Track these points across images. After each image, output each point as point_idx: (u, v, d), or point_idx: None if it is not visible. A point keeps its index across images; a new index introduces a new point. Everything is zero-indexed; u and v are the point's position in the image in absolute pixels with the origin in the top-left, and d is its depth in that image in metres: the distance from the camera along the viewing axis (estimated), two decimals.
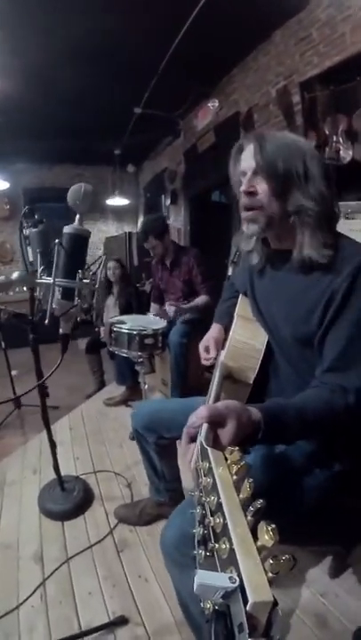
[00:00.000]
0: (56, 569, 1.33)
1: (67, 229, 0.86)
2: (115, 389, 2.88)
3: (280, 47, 2.85)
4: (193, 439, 0.61)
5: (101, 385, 3.02)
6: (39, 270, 0.84)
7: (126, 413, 2.54)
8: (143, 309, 2.88)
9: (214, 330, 1.23)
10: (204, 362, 1.16)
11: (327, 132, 2.41)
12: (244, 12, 2.54)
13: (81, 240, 0.87)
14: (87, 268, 0.83)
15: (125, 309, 2.88)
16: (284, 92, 2.82)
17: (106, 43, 2.76)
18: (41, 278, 0.82)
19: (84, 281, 0.82)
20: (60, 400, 2.69)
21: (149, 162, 5.73)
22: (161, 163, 5.20)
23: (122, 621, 1.13)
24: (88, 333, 3.10)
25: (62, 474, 1.66)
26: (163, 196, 5.22)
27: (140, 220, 6.28)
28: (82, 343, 4.32)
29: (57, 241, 0.82)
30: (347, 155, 2.33)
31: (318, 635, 1.06)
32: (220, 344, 1.15)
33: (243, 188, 0.82)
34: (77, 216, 0.88)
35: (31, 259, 1.12)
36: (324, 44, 2.49)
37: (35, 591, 1.25)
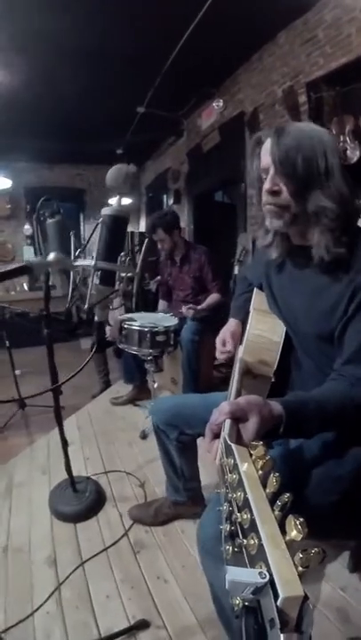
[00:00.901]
0: (71, 573, 1.29)
1: (106, 211, 0.83)
2: (121, 388, 2.85)
3: (285, 48, 2.86)
4: (216, 435, 0.61)
5: (107, 384, 2.99)
6: (74, 254, 0.81)
7: (134, 413, 2.52)
8: (148, 309, 2.87)
9: (231, 324, 1.21)
10: (218, 355, 1.13)
11: (334, 132, 2.42)
12: (250, 12, 2.55)
13: (122, 222, 0.84)
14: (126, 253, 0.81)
15: (130, 309, 2.86)
16: (291, 93, 2.83)
17: (110, 41, 2.76)
18: (77, 261, 0.79)
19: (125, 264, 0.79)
20: (66, 400, 2.62)
21: (152, 161, 5.73)
22: (164, 162, 5.20)
23: (143, 625, 1.10)
24: (92, 333, 3.07)
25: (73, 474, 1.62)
26: (165, 196, 5.22)
27: (143, 220, 6.27)
28: (85, 342, 4.29)
29: (100, 220, 0.79)
30: (354, 155, 2.35)
31: (341, 629, 1.05)
32: (238, 337, 1.13)
33: (266, 186, 0.79)
34: (116, 197, 0.85)
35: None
36: (331, 45, 2.51)
37: (50, 596, 1.21)
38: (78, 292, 0.84)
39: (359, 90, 2.33)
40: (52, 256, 0.68)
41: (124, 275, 0.86)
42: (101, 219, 0.82)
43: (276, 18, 2.69)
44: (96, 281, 0.79)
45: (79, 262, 0.80)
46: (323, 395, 0.71)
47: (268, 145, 0.79)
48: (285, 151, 0.75)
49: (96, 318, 0.86)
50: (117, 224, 0.83)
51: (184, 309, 2.37)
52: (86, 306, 0.77)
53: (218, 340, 1.15)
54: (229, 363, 1.10)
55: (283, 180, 0.77)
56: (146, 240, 1.09)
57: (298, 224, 0.82)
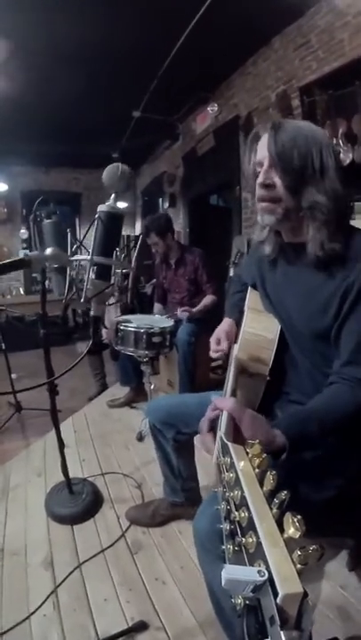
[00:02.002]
0: (68, 575, 1.27)
1: (102, 208, 0.84)
2: (118, 391, 2.84)
3: (279, 52, 2.90)
4: (212, 428, 0.64)
5: (103, 387, 2.98)
6: (71, 250, 0.82)
7: (131, 415, 2.51)
8: (144, 311, 2.87)
9: (225, 323, 1.21)
10: (213, 354, 1.13)
11: (327, 137, 2.46)
12: (244, 18, 2.59)
13: (116, 219, 0.85)
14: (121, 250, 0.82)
15: (126, 311, 2.86)
16: (284, 97, 2.87)
17: (106, 46, 2.78)
18: (74, 256, 0.80)
19: (121, 259, 0.80)
20: (62, 403, 2.60)
21: (148, 165, 5.76)
22: (159, 166, 5.23)
23: (142, 627, 1.09)
24: (88, 337, 3.06)
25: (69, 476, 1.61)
26: (161, 200, 5.25)
27: (138, 223, 6.30)
28: (81, 347, 4.28)
29: (97, 215, 0.80)
30: (347, 157, 2.38)
31: (342, 627, 1.04)
32: (232, 336, 1.13)
33: (259, 180, 0.80)
34: (112, 195, 0.86)
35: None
36: (323, 50, 2.55)
37: (46, 599, 1.19)
38: (75, 287, 0.85)
39: (352, 93, 2.36)
40: (49, 251, 0.69)
41: (119, 270, 0.87)
42: (97, 215, 0.83)
43: (270, 23, 2.73)
44: (92, 275, 0.80)
45: (76, 257, 0.81)
46: (324, 406, 0.73)
47: (265, 139, 0.80)
48: (282, 145, 0.76)
49: (92, 312, 0.86)
50: (113, 220, 0.85)
51: (179, 312, 2.37)
52: (82, 299, 0.77)
53: (212, 339, 1.15)
54: (226, 365, 1.10)
55: (278, 174, 0.78)
56: (141, 237, 1.09)
57: (291, 220, 0.82)
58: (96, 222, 0.79)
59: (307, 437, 0.67)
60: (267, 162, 0.79)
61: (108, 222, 0.81)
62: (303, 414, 0.71)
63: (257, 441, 0.48)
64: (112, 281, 0.83)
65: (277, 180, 0.78)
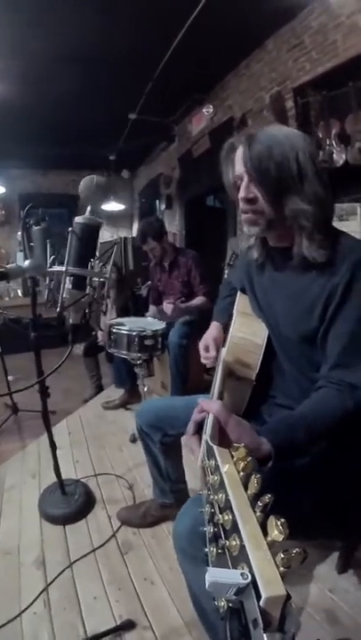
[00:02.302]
0: (59, 574, 1.30)
1: (78, 219, 0.86)
2: (113, 393, 2.86)
3: (273, 54, 2.91)
4: (198, 427, 0.63)
5: (99, 389, 2.99)
6: (49, 260, 0.83)
7: (125, 417, 2.52)
8: (140, 313, 2.88)
9: (213, 328, 1.22)
10: (203, 360, 1.14)
11: (320, 136, 2.47)
12: (238, 20, 2.60)
13: (92, 230, 0.87)
14: (97, 259, 0.83)
15: (122, 313, 2.87)
16: (278, 98, 2.87)
17: (102, 48, 2.79)
18: (51, 267, 0.82)
19: (95, 269, 0.81)
20: (57, 405, 2.64)
21: (144, 167, 5.77)
22: (156, 168, 5.24)
23: (129, 625, 1.10)
24: (84, 338, 3.08)
25: (62, 477, 1.63)
26: (158, 201, 5.26)
27: (135, 225, 6.31)
28: (77, 348, 4.30)
29: (70, 229, 0.82)
30: (340, 158, 2.38)
31: (330, 630, 1.05)
32: (220, 342, 1.14)
33: (241, 194, 0.80)
34: (88, 207, 0.88)
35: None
36: (317, 51, 2.55)
37: (37, 598, 1.21)
38: (52, 296, 0.86)
39: (345, 94, 2.36)
40: (26, 263, 0.70)
41: (97, 280, 0.89)
42: (71, 228, 0.84)
43: (263, 25, 2.74)
44: (69, 285, 0.81)
45: (52, 268, 0.82)
46: (312, 411, 0.71)
47: (240, 153, 0.80)
48: (258, 159, 0.75)
49: (70, 320, 0.87)
50: (88, 232, 0.86)
51: (164, 304, 2.38)
52: (58, 309, 0.79)
53: (201, 346, 1.16)
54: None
55: (257, 188, 0.78)
56: (115, 247, 1.10)
57: (276, 229, 0.82)
58: (70, 235, 0.81)
59: (294, 444, 0.66)
60: (246, 177, 0.79)
61: (82, 234, 0.83)
62: (291, 420, 0.70)
63: (242, 444, 0.48)
64: (87, 291, 0.84)
65: (258, 194, 0.78)
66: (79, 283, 0.83)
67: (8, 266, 0.72)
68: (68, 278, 0.79)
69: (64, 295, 0.80)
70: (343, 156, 2.36)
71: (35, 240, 1.19)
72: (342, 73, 2.39)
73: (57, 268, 0.81)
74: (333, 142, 2.40)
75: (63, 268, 0.79)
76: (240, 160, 0.79)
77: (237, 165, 0.81)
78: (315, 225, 0.77)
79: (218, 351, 1.09)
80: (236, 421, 0.63)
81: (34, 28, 2.50)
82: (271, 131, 0.80)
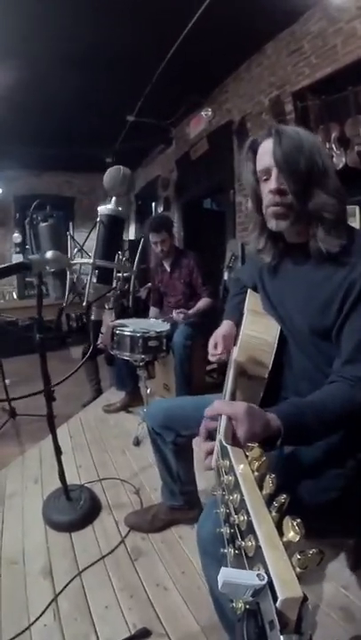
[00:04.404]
0: (68, 583, 1.25)
1: (104, 210, 0.83)
2: (113, 396, 2.82)
3: (272, 58, 2.94)
4: (210, 435, 0.62)
5: (98, 393, 2.95)
6: (71, 253, 0.80)
7: (127, 420, 2.49)
8: (139, 315, 2.86)
9: (224, 326, 1.20)
10: (210, 357, 1.12)
11: (320, 140, 2.49)
12: (238, 24, 2.62)
13: (118, 222, 0.84)
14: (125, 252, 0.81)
15: (121, 315, 2.84)
16: (277, 102, 2.90)
17: (101, 50, 2.79)
18: (75, 259, 0.79)
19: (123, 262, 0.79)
20: (56, 409, 2.58)
21: (142, 169, 5.77)
22: (153, 170, 5.25)
23: (145, 634, 1.07)
24: (82, 341, 3.05)
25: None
26: (155, 204, 5.25)
27: (133, 227, 6.29)
28: (75, 351, 4.24)
29: (98, 219, 0.79)
30: (340, 161, 2.41)
31: (346, 628, 1.03)
32: (231, 339, 1.12)
33: (273, 186, 0.80)
34: (113, 198, 0.85)
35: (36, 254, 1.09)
36: (316, 56, 2.59)
37: (46, 609, 1.16)
38: (75, 291, 0.83)
39: (344, 98, 2.40)
40: (49, 254, 0.68)
41: (120, 274, 0.86)
42: (99, 218, 0.82)
43: (263, 29, 2.77)
44: (94, 279, 0.79)
45: (77, 260, 0.80)
46: (323, 401, 0.72)
47: (268, 146, 0.80)
48: (289, 150, 0.77)
49: (92, 317, 0.85)
50: (115, 224, 0.84)
51: (175, 314, 2.37)
52: (85, 303, 0.76)
53: (210, 343, 1.15)
54: (222, 369, 1.09)
55: (287, 181, 0.79)
56: (142, 240, 1.09)
57: (300, 223, 0.83)
58: (98, 225, 0.78)
59: (303, 426, 0.66)
60: (275, 170, 0.79)
61: (110, 225, 0.81)
62: (301, 403, 0.71)
63: (256, 444, 0.47)
64: (113, 284, 0.82)
65: (287, 186, 0.79)
66: (105, 276, 0.80)
67: (31, 256, 0.70)
68: (93, 272, 0.76)
69: (91, 290, 0.77)
70: (343, 159, 2.39)
71: (42, 237, 1.17)
72: (342, 77, 2.43)
73: (82, 260, 0.78)
74: (333, 146, 2.43)
75: (89, 261, 0.76)
76: (268, 153, 0.80)
77: (265, 158, 0.81)
78: (336, 218, 0.79)
79: (228, 348, 1.07)
80: (245, 412, 0.60)
81: (32, 29, 2.48)
82: (294, 128, 0.82)
